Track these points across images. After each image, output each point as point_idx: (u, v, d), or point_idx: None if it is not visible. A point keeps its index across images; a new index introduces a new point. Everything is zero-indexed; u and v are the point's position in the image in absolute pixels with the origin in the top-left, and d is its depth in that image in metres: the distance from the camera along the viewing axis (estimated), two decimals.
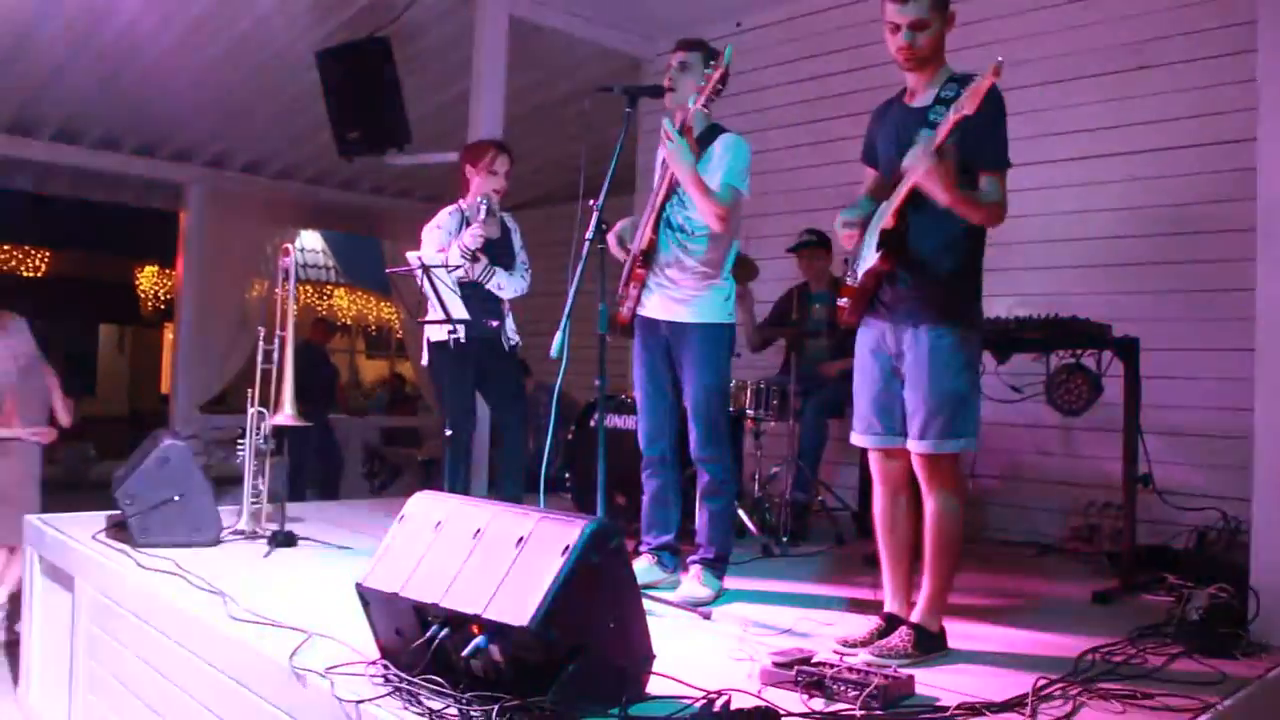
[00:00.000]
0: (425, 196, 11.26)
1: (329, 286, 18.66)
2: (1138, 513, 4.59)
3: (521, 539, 2.58)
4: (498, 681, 2.49)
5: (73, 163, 9.33)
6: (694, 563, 4.09)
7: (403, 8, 6.88)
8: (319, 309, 17.64)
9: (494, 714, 2.32)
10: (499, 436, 5.07)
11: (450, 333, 4.67)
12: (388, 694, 2.59)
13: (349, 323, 19.96)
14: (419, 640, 2.62)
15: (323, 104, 7.29)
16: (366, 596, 2.86)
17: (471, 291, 4.88)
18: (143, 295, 18.13)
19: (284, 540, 4.73)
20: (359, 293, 19.39)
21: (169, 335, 19.89)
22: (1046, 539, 5.61)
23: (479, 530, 2.70)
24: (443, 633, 2.57)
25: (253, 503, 5.00)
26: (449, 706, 2.44)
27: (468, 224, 4.97)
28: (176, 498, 4.53)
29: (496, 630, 2.46)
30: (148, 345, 20.76)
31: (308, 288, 17.69)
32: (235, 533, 4.89)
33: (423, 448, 12.53)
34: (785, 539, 5.28)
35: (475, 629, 2.52)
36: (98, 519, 4.89)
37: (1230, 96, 5.04)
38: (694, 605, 3.80)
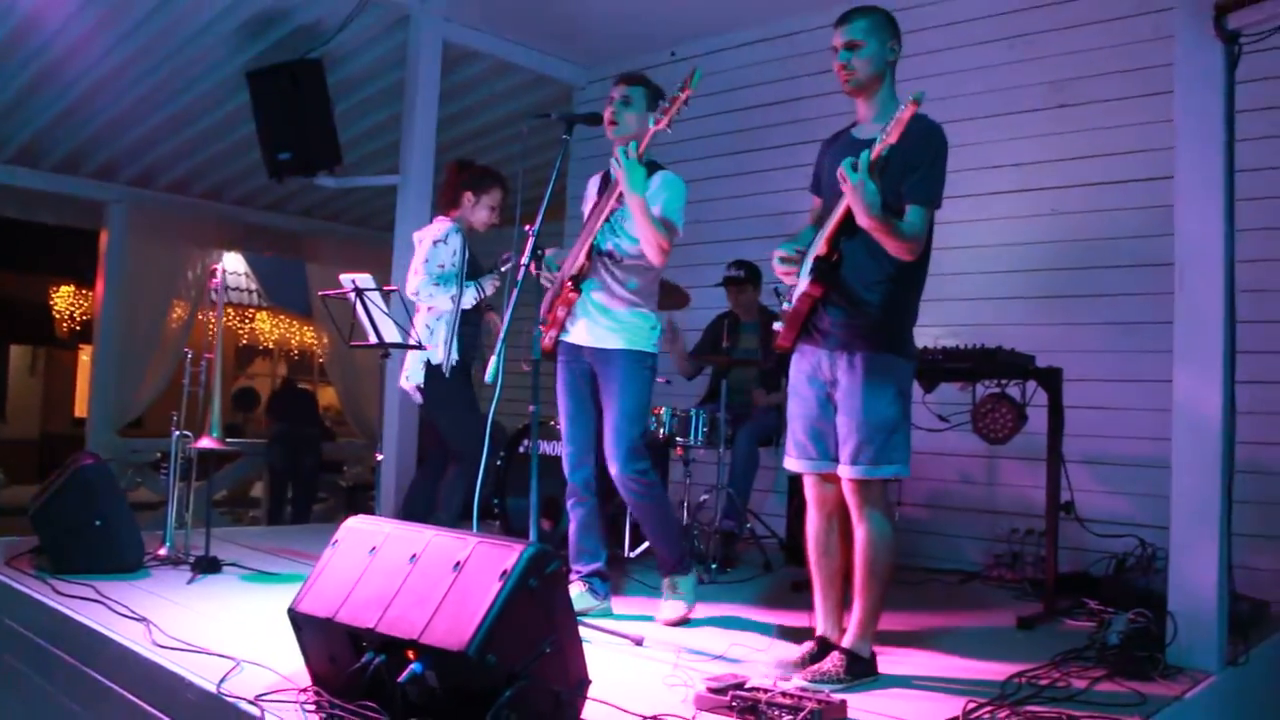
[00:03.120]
0: (353, 220, 11.16)
1: (251, 310, 18.37)
2: (1060, 540, 4.68)
3: (459, 563, 2.58)
4: (433, 708, 2.47)
5: None
6: (664, 579, 4.21)
7: (335, 30, 6.83)
8: (241, 333, 17.37)
9: None
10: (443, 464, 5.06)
11: (448, 358, 4.76)
12: None
13: (271, 347, 19.68)
14: (353, 666, 2.59)
15: (250, 124, 7.21)
16: (299, 621, 2.82)
17: (470, 318, 4.99)
18: (58, 315, 17.66)
19: (208, 566, 4.64)
20: (281, 316, 19.11)
21: (84, 357, 19.43)
22: (971, 566, 5.69)
23: (415, 554, 2.69)
24: (378, 659, 2.55)
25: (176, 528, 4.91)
26: None
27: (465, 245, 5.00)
28: (98, 522, 4.43)
29: (433, 655, 2.44)
30: (62, 367, 20.21)
31: (230, 310, 17.39)
32: (157, 558, 4.79)
33: (345, 474, 12.38)
34: (714, 566, 5.31)
35: (411, 654, 2.50)
36: (12, 545, 4.76)
37: (1150, 136, 5.18)
38: (672, 620, 3.99)
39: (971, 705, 2.93)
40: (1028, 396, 4.66)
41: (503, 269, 4.89)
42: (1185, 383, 3.74)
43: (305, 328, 18.68)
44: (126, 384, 9.83)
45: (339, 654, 2.72)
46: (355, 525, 2.99)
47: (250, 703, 2.69)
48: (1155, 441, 4.65)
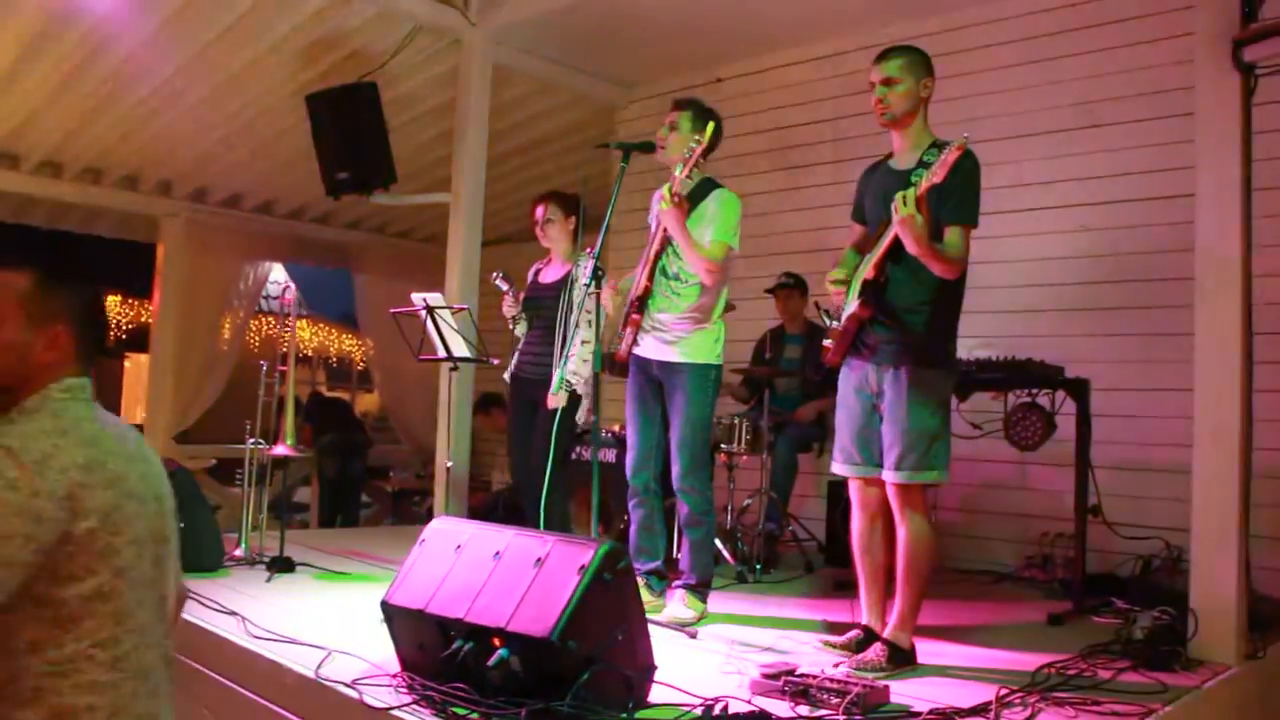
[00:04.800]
0: (397, 232, 11.48)
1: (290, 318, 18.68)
2: (1088, 542, 4.89)
3: (540, 559, 2.85)
4: (516, 690, 2.73)
5: (53, 195, 9.39)
6: (678, 587, 4.37)
7: (390, 53, 7.13)
8: (280, 341, 17.70)
9: (521, 718, 2.58)
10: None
11: (508, 371, 5.00)
12: (413, 701, 2.84)
13: (310, 355, 20.06)
14: (443, 653, 2.87)
15: (304, 141, 7.50)
16: (391, 613, 3.11)
17: (530, 335, 5.13)
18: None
19: (283, 566, 4.94)
20: (320, 324, 19.48)
21: (129, 365, 19.83)
22: (1004, 568, 5.90)
23: (499, 552, 2.97)
24: (467, 646, 2.82)
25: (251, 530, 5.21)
26: (474, 712, 2.69)
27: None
28: (181, 525, 4.72)
29: (518, 641, 2.71)
30: (108, 375, 20.61)
31: (270, 319, 17.75)
32: (233, 559, 5.09)
33: (390, 479, 12.67)
34: (758, 567, 5.56)
35: (497, 641, 2.77)
36: None
37: (1174, 155, 5.37)
38: (680, 626, 4.07)
39: (1004, 691, 3.18)
40: (1057, 405, 4.88)
41: (496, 280, 5.11)
42: (1205, 392, 3.94)
43: (344, 336, 19.04)
44: (182, 392, 10.13)
45: (428, 642, 2.99)
46: (439, 526, 3.27)
47: (348, 686, 2.97)
48: (1179, 448, 4.84)
